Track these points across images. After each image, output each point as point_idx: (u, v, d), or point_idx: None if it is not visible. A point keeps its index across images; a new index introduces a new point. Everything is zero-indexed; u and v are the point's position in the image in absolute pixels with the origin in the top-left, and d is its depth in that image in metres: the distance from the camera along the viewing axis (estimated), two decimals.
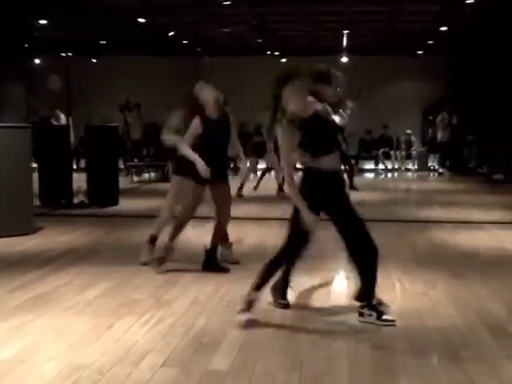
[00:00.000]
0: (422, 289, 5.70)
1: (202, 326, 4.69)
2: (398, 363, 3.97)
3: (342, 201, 4.81)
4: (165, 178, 15.85)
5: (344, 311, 5.07)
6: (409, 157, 19.75)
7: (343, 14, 15.39)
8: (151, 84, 20.36)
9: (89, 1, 13.77)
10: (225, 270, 6.20)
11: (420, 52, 20.43)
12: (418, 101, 20.99)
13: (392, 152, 19.58)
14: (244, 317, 4.69)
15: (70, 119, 19.01)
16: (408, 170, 19.71)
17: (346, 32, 17.14)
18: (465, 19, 15.58)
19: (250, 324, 4.67)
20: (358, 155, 19.53)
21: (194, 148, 6.09)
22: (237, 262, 6.58)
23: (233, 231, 7.08)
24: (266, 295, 5.14)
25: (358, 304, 4.89)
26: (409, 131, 19.67)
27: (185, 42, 19.56)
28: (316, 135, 4.62)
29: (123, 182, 13.81)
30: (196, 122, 6.07)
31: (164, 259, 6.33)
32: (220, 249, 6.58)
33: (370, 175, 18.89)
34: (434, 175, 19.00)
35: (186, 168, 6.22)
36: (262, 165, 13.82)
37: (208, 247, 6.31)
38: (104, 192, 11.16)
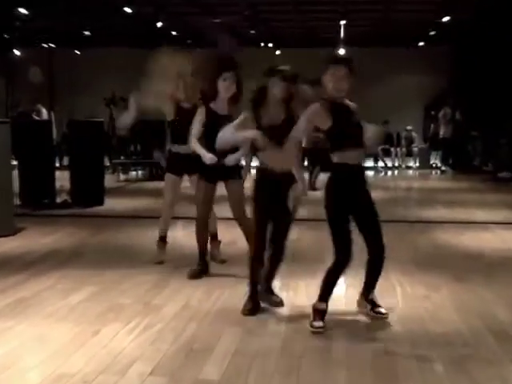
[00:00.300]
0: (424, 292, 5.70)
1: (193, 332, 4.68)
2: (399, 369, 3.98)
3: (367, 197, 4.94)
4: (154, 177, 15.87)
5: (342, 315, 5.08)
6: (410, 154, 19.80)
7: (338, 4, 15.40)
8: (138, 77, 20.32)
9: None
10: None
11: (421, 43, 20.46)
12: (420, 95, 21.06)
13: (392, 149, 19.61)
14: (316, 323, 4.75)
15: (52, 114, 18.95)
16: (409, 167, 19.76)
17: (342, 22, 17.14)
18: (469, 8, 15.60)
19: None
20: None
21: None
22: (223, 262, 6.66)
23: (226, 232, 7.09)
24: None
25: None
26: (410, 127, 19.71)
27: (174, 33, 19.53)
28: (346, 123, 4.74)
29: (109, 180, 13.78)
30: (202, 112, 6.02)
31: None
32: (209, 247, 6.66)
33: (369, 173, 18.89)
34: (436, 173, 19.04)
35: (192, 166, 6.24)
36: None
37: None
38: (88, 191, 11.13)
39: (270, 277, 5.33)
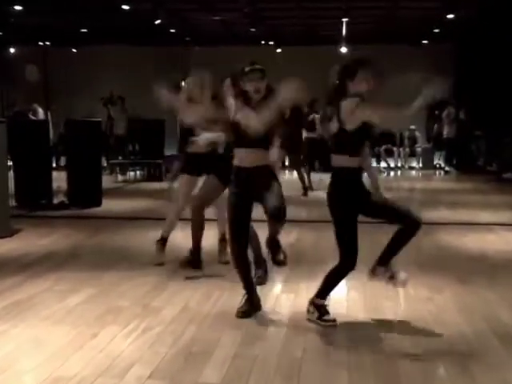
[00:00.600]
0: (427, 294, 5.73)
1: (192, 334, 4.70)
2: (402, 373, 3.99)
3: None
4: (153, 177, 15.89)
5: (344, 319, 5.09)
6: (413, 154, 19.80)
7: (341, 1, 15.41)
8: (136, 76, 20.35)
9: None
10: None
11: (425, 41, 20.46)
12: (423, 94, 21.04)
13: (395, 149, 19.62)
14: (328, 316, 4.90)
15: (49, 113, 18.96)
16: (412, 168, 19.77)
17: (344, 20, 17.15)
18: (473, 5, 15.61)
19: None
20: None
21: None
22: (227, 263, 6.66)
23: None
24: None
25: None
26: (413, 127, 19.70)
27: (172, 30, 19.53)
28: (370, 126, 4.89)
29: (106, 181, 13.81)
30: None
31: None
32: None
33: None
34: (439, 174, 19.05)
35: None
36: None
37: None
38: (86, 192, 11.15)
39: (274, 237, 5.15)
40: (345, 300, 5.65)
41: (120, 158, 17.44)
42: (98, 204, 11.15)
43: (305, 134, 14.21)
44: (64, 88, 20.95)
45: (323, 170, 14.66)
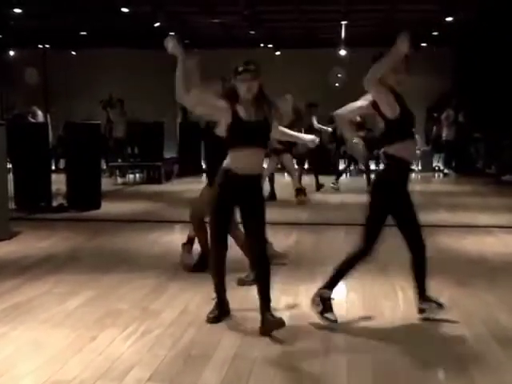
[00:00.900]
0: None
1: (192, 337, 4.70)
2: (401, 376, 3.99)
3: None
4: (152, 180, 15.89)
5: (343, 321, 5.09)
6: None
7: (340, 4, 15.42)
8: (135, 79, 20.38)
9: None
10: None
11: (424, 44, 20.48)
12: (422, 96, 21.01)
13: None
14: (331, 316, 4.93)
15: (48, 116, 18.97)
16: (411, 170, 19.75)
17: (343, 23, 17.17)
18: (472, 8, 15.63)
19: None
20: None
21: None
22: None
23: None
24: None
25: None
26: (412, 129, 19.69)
27: (172, 33, 19.55)
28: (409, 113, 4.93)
29: (106, 183, 13.81)
30: None
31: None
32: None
33: (371, 176, 18.89)
34: (438, 176, 19.05)
35: None
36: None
37: None
38: (85, 194, 11.14)
39: (265, 297, 4.96)
40: (344, 301, 5.65)
41: (119, 160, 17.44)
42: (98, 206, 11.14)
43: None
44: (63, 91, 20.95)
45: (316, 172, 14.70)
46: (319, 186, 14.14)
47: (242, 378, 3.94)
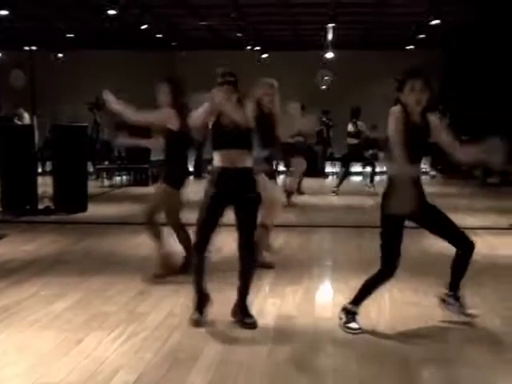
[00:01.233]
0: (413, 298, 5.76)
1: (178, 340, 4.70)
2: (385, 379, 4.01)
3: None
4: (139, 182, 15.85)
5: (328, 323, 5.11)
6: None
7: (327, 7, 15.45)
8: (123, 80, 20.28)
9: None
10: None
11: (411, 47, 20.56)
12: None
13: (381, 154, 19.64)
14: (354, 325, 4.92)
15: (35, 118, 18.89)
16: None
17: (330, 25, 17.20)
18: (459, 12, 15.71)
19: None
20: (345, 157, 19.66)
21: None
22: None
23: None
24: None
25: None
26: None
27: (159, 35, 19.53)
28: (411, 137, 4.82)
29: (92, 186, 13.79)
30: None
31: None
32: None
33: (358, 178, 18.94)
34: (425, 178, 19.12)
35: None
36: None
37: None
38: (71, 197, 11.11)
39: (244, 293, 5.13)
40: (330, 303, 5.67)
41: (106, 162, 17.40)
42: (84, 209, 11.11)
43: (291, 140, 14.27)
44: (50, 93, 20.86)
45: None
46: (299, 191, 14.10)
47: (228, 382, 3.94)
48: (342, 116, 16.63)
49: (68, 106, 20.05)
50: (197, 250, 5.11)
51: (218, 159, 5.04)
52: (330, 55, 19.56)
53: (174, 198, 6.42)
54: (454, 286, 5.09)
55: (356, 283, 6.26)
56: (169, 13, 16.69)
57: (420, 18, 16.73)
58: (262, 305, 5.61)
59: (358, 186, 16.31)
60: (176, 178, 6.44)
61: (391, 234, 4.87)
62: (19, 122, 17.41)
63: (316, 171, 17.91)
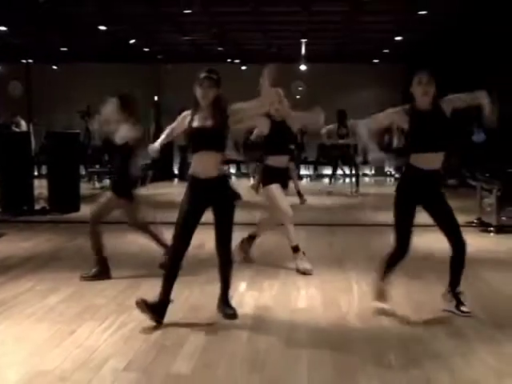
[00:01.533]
0: None
1: (164, 329, 4.67)
2: (356, 364, 4.01)
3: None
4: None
5: (304, 314, 5.11)
6: (366, 162, 19.92)
7: (300, 24, 15.52)
8: (112, 91, 20.08)
9: (49, 9, 13.61)
10: None
11: (377, 60, 20.69)
12: (376, 108, 21.13)
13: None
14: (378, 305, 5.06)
15: (31, 126, 18.74)
16: (365, 175, 19.91)
17: (303, 40, 17.25)
18: (419, 29, 15.86)
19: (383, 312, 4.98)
20: (317, 160, 19.79)
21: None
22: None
23: (195, 236, 7.08)
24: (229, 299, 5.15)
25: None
26: None
27: (146, 49, 19.48)
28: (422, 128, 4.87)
29: (84, 188, 13.69)
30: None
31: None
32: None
33: (326, 181, 18.96)
34: (390, 180, 19.23)
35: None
36: None
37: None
38: (65, 198, 11.03)
39: (225, 287, 5.10)
40: (305, 296, 5.67)
41: (97, 166, 17.33)
42: (77, 209, 11.03)
43: None
44: (45, 102, 20.72)
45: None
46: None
47: (211, 367, 3.93)
48: None
49: (62, 114, 19.92)
50: (173, 255, 4.92)
51: (194, 163, 4.90)
52: (303, 67, 19.61)
53: (113, 204, 6.35)
54: (452, 284, 5.11)
55: (328, 277, 6.30)
56: (155, 29, 16.64)
57: (385, 35, 16.88)
58: (241, 297, 5.60)
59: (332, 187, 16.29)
60: (120, 187, 6.36)
61: (402, 215, 5.18)
62: (17, 129, 17.28)
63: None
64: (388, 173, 19.99)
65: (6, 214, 10.39)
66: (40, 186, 11.88)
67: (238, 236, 8.41)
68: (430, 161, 4.98)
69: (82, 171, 15.83)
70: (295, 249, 6.66)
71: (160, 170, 18.11)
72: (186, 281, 6.07)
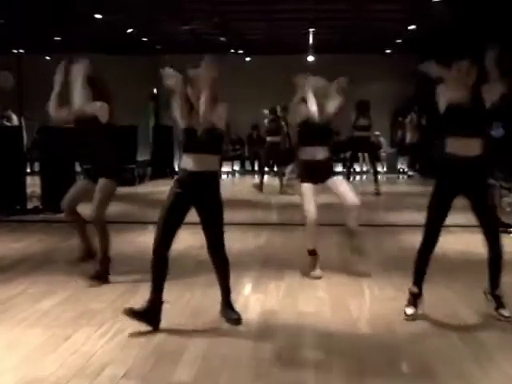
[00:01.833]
0: (392, 294, 5.77)
1: (164, 335, 4.69)
2: (367, 371, 4.02)
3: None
4: (128, 182, 15.80)
5: (311, 318, 5.12)
6: (378, 159, 19.93)
7: (307, 12, 15.50)
8: (109, 83, 20.23)
9: None
10: None
11: (389, 51, 20.66)
12: (387, 101, 21.18)
13: (360, 154, 19.72)
14: (408, 310, 5.08)
15: (23, 120, 18.77)
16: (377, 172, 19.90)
17: (311, 30, 17.25)
18: (433, 18, 15.83)
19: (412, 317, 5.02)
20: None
21: None
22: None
23: (196, 237, 7.10)
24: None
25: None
26: (377, 132, 19.81)
27: (144, 39, 19.49)
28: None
29: None
30: None
31: None
32: None
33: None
34: (403, 178, 19.22)
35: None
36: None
37: None
38: (59, 197, 10.91)
39: (226, 290, 5.08)
40: (312, 298, 5.68)
41: None
42: None
43: (268, 139, 14.45)
44: (37, 95, 20.71)
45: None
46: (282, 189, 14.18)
47: (213, 375, 3.94)
48: None
49: None
50: (156, 252, 4.88)
51: (185, 161, 4.86)
52: (310, 59, 19.61)
53: (112, 190, 6.60)
54: (491, 286, 5.11)
55: (336, 279, 6.31)
56: (153, 18, 16.65)
57: (398, 24, 16.85)
58: (246, 300, 5.62)
59: None
60: (111, 167, 6.59)
61: (437, 206, 5.28)
62: (8, 124, 17.30)
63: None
64: (401, 170, 19.96)
65: None
66: (33, 184, 11.91)
67: (241, 237, 8.45)
68: (467, 146, 4.96)
69: (77, 168, 15.83)
70: (310, 252, 6.59)
71: (159, 167, 18.16)
72: (187, 283, 6.11)
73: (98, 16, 15.76)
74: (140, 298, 5.62)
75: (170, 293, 5.71)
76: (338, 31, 18.34)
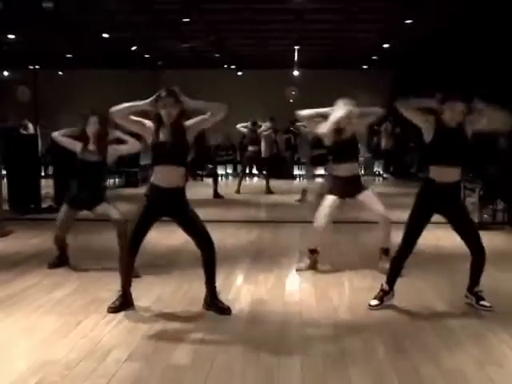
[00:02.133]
0: (370, 285, 5.75)
1: (165, 322, 4.67)
2: (347, 355, 4.01)
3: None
4: (129, 184, 15.76)
5: (297, 307, 5.11)
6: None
7: (293, 31, 15.54)
8: (114, 95, 20.09)
9: (55, 17, 13.58)
10: None
11: (365, 66, 20.72)
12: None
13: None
14: (373, 302, 5.06)
15: (38, 128, 18.71)
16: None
17: (296, 48, 17.27)
18: (405, 37, 15.90)
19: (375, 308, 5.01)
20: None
21: None
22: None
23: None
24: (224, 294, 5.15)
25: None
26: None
27: (146, 56, 19.46)
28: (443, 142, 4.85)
29: None
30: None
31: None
32: None
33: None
34: (379, 180, 19.24)
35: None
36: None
37: None
38: None
39: (211, 281, 5.01)
40: (298, 289, 5.67)
41: None
42: None
43: (249, 148, 14.46)
44: (51, 106, 20.72)
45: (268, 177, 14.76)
46: (269, 190, 14.15)
47: (209, 359, 3.93)
48: None
49: (68, 117, 19.87)
50: (129, 251, 4.93)
51: (154, 175, 4.84)
52: (296, 73, 19.63)
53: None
54: (472, 284, 5.09)
55: (320, 272, 6.30)
56: (156, 36, 16.64)
57: (372, 43, 16.92)
58: (237, 291, 5.60)
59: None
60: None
61: (417, 219, 5.17)
62: (25, 132, 17.25)
63: (286, 174, 18.08)
64: (377, 172, 19.99)
65: (14, 212, 10.35)
66: (47, 186, 11.86)
67: (235, 233, 8.43)
68: (447, 174, 4.93)
69: None
70: (311, 251, 6.46)
71: None
72: (185, 275, 6.08)
73: (106, 35, 15.74)
74: (142, 287, 5.62)
75: (169, 284, 5.73)
76: (321, 49, 18.40)
